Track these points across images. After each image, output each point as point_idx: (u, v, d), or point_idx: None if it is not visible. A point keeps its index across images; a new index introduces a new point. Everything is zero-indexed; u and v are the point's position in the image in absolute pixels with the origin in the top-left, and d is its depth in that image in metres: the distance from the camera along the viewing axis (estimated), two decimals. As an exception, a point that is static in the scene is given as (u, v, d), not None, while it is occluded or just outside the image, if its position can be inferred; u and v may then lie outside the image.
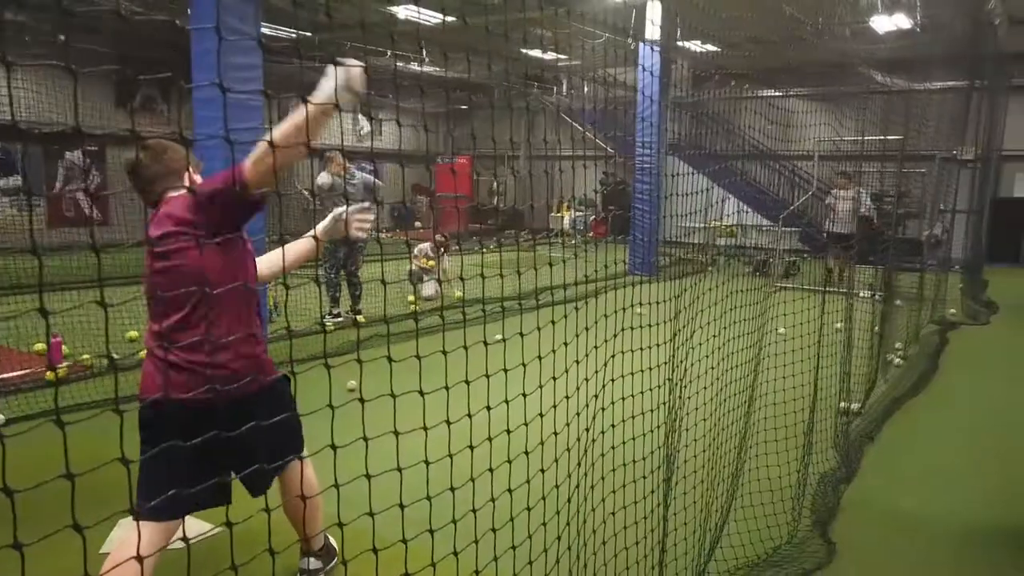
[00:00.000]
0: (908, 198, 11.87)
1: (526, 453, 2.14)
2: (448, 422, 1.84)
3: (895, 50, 12.16)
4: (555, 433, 2.31)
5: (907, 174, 11.21)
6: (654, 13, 12.06)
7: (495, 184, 22.44)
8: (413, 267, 10.20)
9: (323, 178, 8.25)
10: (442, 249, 10.30)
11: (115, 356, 6.14)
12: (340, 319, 8.34)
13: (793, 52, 11.94)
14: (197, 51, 6.16)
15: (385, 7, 11.85)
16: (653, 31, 11.91)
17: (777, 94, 14.88)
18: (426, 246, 10.48)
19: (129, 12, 10.68)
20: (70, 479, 1.18)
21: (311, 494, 2.61)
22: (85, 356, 6.25)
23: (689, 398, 3.13)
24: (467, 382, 1.87)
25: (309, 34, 13.98)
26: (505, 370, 2.05)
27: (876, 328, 6.80)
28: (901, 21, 11.69)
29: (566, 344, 2.37)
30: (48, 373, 5.76)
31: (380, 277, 1.73)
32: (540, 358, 2.22)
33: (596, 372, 2.59)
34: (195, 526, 3.25)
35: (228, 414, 2.23)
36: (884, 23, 11.91)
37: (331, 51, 14.45)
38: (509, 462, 2.10)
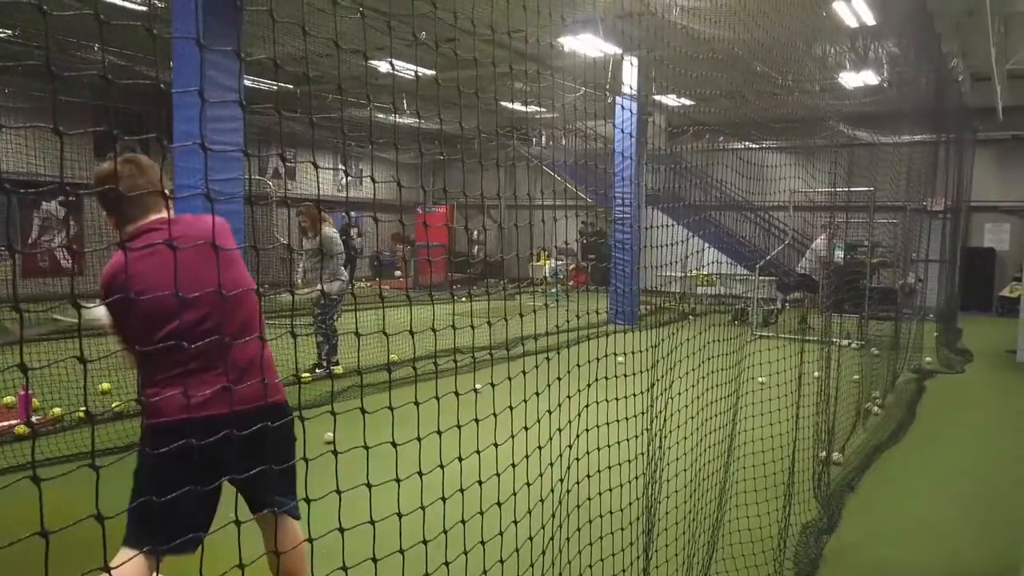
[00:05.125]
0: (881, 248, 12.11)
1: (498, 504, 2.11)
2: (420, 473, 1.82)
3: (864, 105, 12.55)
4: (528, 484, 2.29)
5: (878, 224, 11.47)
6: (629, 68, 12.37)
7: (475, 233, 22.59)
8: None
9: (333, 235, 8.29)
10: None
11: (88, 409, 6.02)
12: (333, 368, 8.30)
13: (764, 105, 12.25)
14: (178, 102, 6.20)
15: (366, 61, 12.05)
16: (628, 86, 12.19)
17: (751, 147, 15.24)
18: None
19: (112, 68, 10.78)
20: (44, 537, 1.15)
21: (297, 547, 2.51)
22: (56, 410, 6.12)
23: (670, 448, 3.12)
24: (439, 432, 1.86)
25: (291, 86, 14.15)
26: (476, 420, 2.03)
27: (855, 377, 6.86)
28: (869, 78, 12.07)
29: (537, 394, 2.37)
30: (18, 427, 5.63)
31: (355, 329, 1.73)
32: (511, 408, 2.21)
33: (570, 422, 2.58)
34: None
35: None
36: (852, 79, 12.29)
37: (313, 103, 14.61)
38: (481, 513, 2.07)
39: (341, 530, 1.63)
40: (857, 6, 9.22)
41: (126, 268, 2.09)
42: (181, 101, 6.17)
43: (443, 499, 1.88)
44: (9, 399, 6.31)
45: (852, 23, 9.75)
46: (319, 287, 8.24)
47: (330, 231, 8.41)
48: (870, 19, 9.62)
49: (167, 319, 2.34)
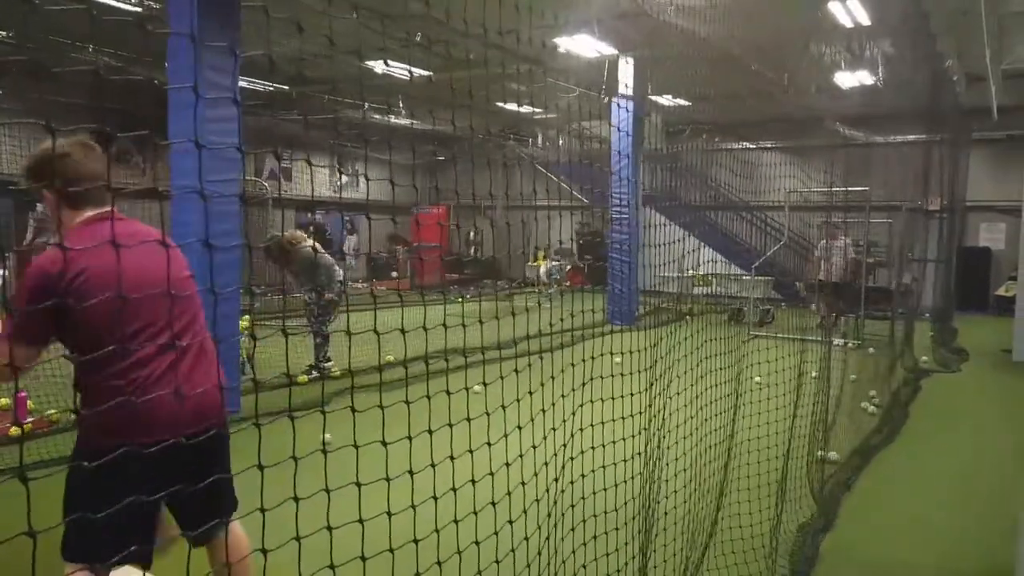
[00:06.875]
0: (877, 247, 12.12)
1: (493, 504, 2.11)
2: (411, 472, 1.81)
3: (860, 105, 12.56)
4: (523, 483, 2.28)
5: (874, 224, 11.48)
6: (626, 69, 12.37)
7: (472, 234, 22.58)
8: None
9: (308, 252, 8.19)
10: None
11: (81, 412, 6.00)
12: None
13: (761, 105, 12.27)
14: (174, 103, 6.19)
15: (362, 62, 12.04)
16: (624, 86, 12.19)
17: (748, 147, 15.25)
18: None
19: (107, 68, 10.77)
20: (32, 537, 1.14)
21: (244, 554, 2.45)
22: (51, 411, 6.10)
23: (668, 448, 3.12)
24: (429, 432, 1.85)
25: (287, 87, 14.13)
26: (468, 419, 2.03)
27: (852, 376, 6.87)
28: (864, 77, 12.09)
29: (531, 393, 2.36)
30: (12, 429, 5.61)
31: (347, 329, 1.73)
32: (504, 407, 2.20)
33: (564, 421, 2.58)
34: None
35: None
36: (848, 79, 12.31)
37: (308, 103, 14.61)
38: (475, 513, 2.07)
39: (329, 528, 1.62)
40: (852, 6, 9.23)
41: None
42: (177, 101, 6.16)
43: (435, 498, 1.87)
44: (4, 401, 6.29)
45: (847, 23, 9.76)
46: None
47: (305, 249, 8.17)
48: (865, 19, 9.63)
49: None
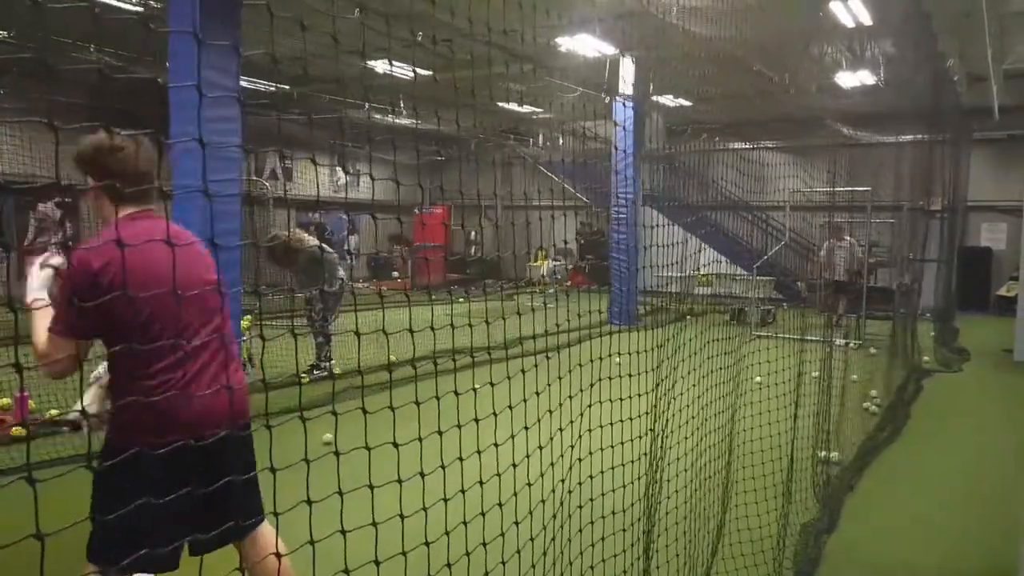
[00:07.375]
0: (879, 247, 12.14)
1: (500, 505, 2.10)
2: (422, 474, 1.81)
3: (861, 105, 12.55)
4: (528, 484, 2.27)
5: (876, 224, 11.49)
6: (626, 69, 12.36)
7: (472, 234, 22.58)
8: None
9: (314, 250, 8.10)
10: None
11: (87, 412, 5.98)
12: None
13: (762, 105, 12.25)
14: (175, 102, 6.18)
15: (363, 62, 12.02)
16: (626, 86, 12.19)
17: (749, 147, 15.25)
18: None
19: (108, 67, 10.76)
20: (39, 539, 1.13)
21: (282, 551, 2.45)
22: (52, 412, 6.09)
23: (671, 448, 3.11)
24: (439, 433, 1.85)
25: (287, 87, 14.12)
26: (476, 420, 2.02)
27: (853, 377, 6.86)
28: (865, 77, 12.08)
29: (537, 394, 2.35)
30: (14, 429, 5.61)
31: (355, 329, 1.72)
32: (511, 407, 2.19)
33: (571, 422, 2.57)
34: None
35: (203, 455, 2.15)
36: (849, 79, 12.30)
37: (309, 103, 14.60)
38: (483, 514, 2.06)
39: (343, 532, 1.62)
40: (853, 6, 9.22)
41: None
42: (178, 101, 6.16)
43: (444, 500, 1.87)
44: (5, 400, 6.28)
45: (849, 23, 9.75)
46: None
47: (310, 249, 8.08)
48: (867, 19, 9.62)
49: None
